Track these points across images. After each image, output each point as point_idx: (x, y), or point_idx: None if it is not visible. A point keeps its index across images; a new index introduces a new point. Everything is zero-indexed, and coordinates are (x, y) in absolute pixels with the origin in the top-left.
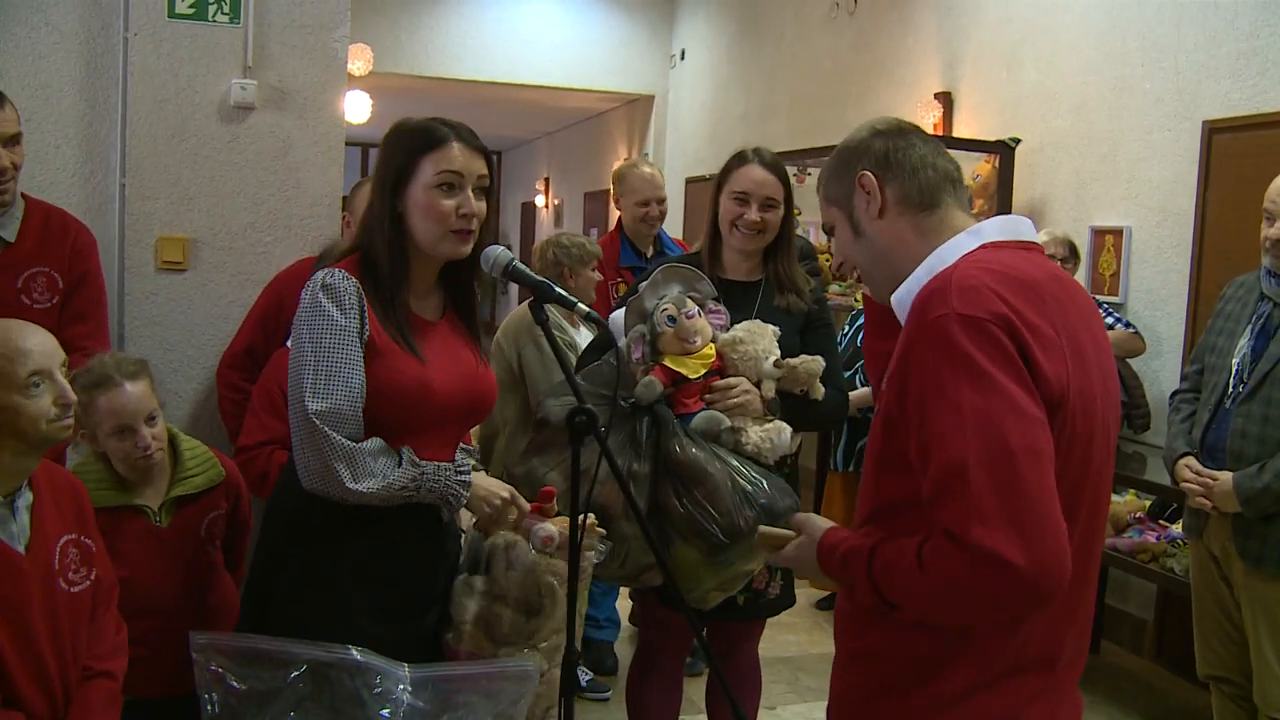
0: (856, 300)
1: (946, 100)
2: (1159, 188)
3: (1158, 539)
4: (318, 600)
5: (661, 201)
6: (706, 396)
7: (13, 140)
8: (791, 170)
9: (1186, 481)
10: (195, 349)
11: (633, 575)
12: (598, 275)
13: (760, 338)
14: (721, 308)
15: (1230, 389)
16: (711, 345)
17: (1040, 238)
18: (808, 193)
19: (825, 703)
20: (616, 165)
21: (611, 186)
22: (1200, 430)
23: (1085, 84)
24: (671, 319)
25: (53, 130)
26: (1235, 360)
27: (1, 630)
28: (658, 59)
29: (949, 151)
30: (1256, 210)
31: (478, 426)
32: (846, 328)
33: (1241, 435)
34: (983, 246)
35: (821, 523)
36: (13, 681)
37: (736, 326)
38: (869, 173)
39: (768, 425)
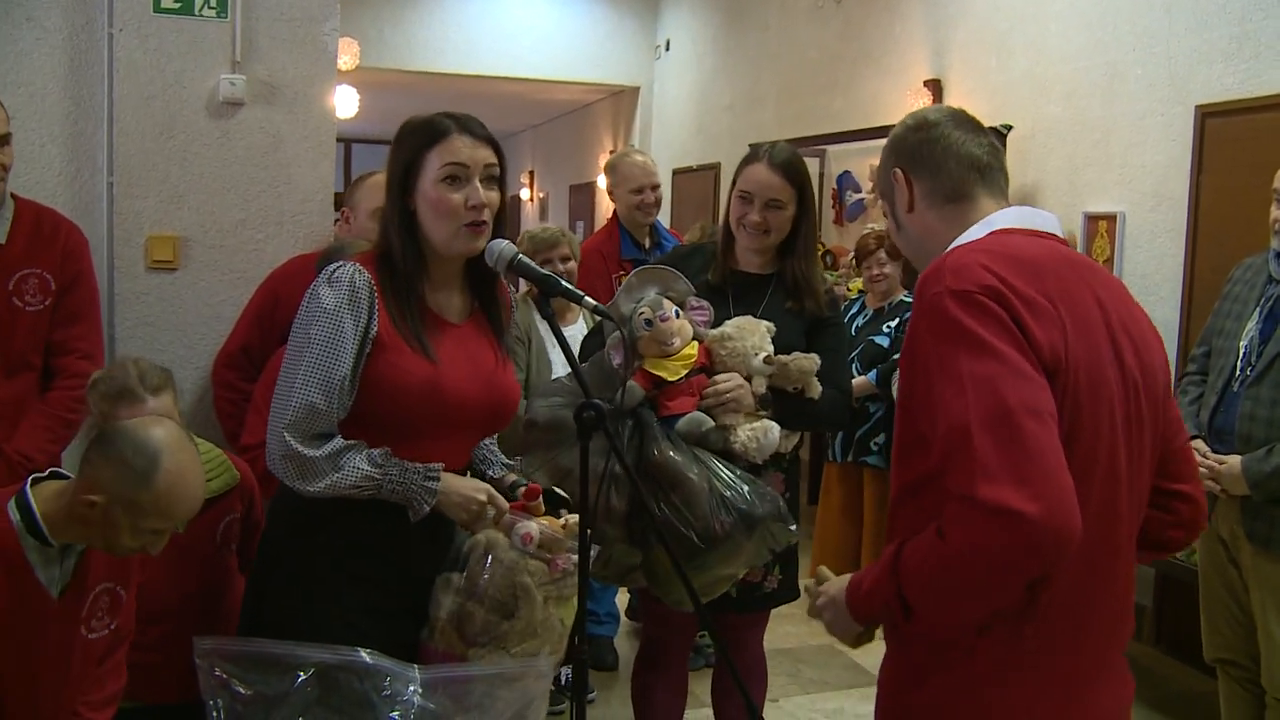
0: (850, 289)
1: (936, 88)
2: (1152, 173)
3: None
4: (314, 598)
5: (656, 188)
6: (705, 395)
7: (3, 140)
8: None
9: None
10: (188, 349)
11: (619, 575)
12: (572, 264)
13: (750, 334)
14: (703, 304)
15: (1238, 372)
16: (693, 345)
17: None
18: None
19: (826, 694)
20: (608, 157)
21: (604, 179)
22: (1208, 413)
23: (1076, 70)
24: (648, 323)
25: (37, 129)
26: (1243, 343)
27: (7, 663)
28: (643, 50)
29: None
30: (1250, 194)
31: None
32: (846, 329)
33: (1250, 418)
34: (992, 233)
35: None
36: (4, 709)
37: (727, 323)
38: (899, 169)
39: (755, 424)
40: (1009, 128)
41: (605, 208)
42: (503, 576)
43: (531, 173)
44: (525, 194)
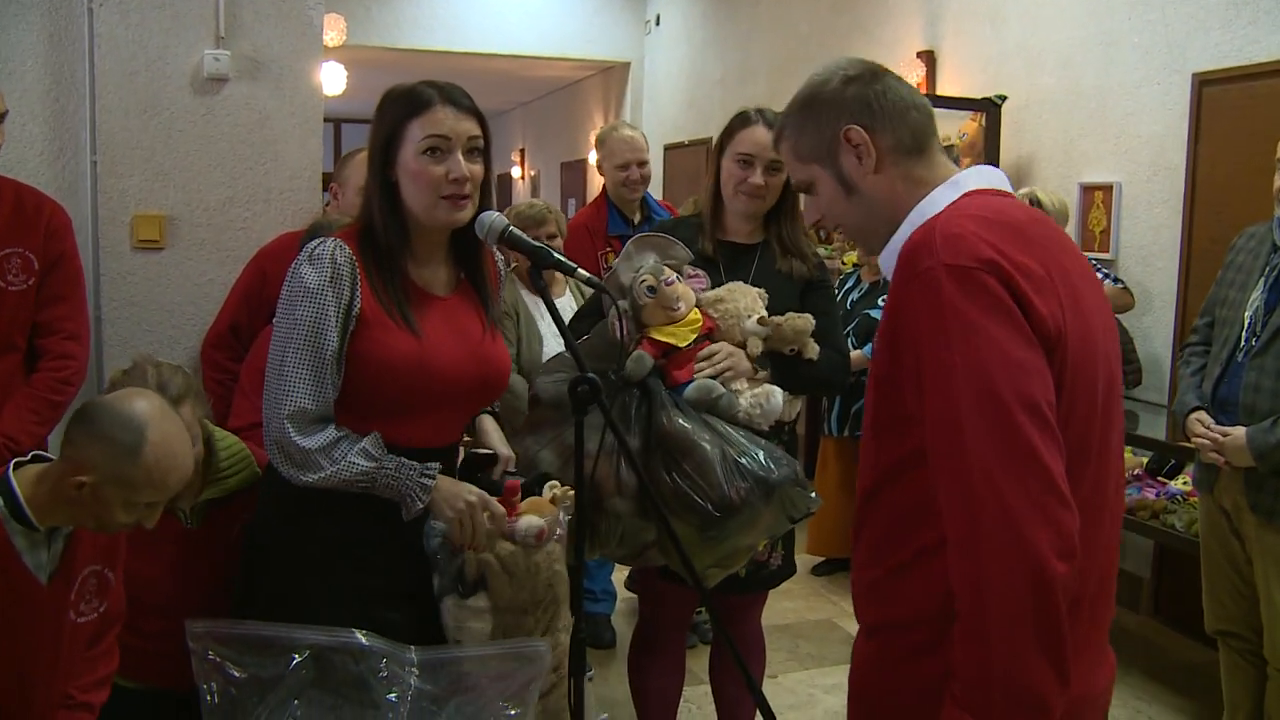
0: (844, 263)
1: (929, 59)
2: (1149, 142)
3: (1157, 495)
4: (306, 584)
5: (643, 164)
6: (699, 365)
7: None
8: None
9: (1198, 436)
10: (176, 329)
11: (635, 553)
12: (558, 241)
13: (742, 295)
14: (700, 271)
15: (1242, 342)
16: (697, 310)
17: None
18: None
19: (825, 669)
20: (597, 130)
21: (594, 154)
22: (1211, 384)
23: (1071, 39)
24: (651, 289)
25: (18, 107)
26: (1248, 313)
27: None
28: (633, 25)
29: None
30: (1249, 163)
31: None
32: (835, 290)
33: (1254, 389)
34: (964, 196)
35: None
36: None
37: (718, 287)
38: (856, 126)
39: (756, 390)
40: (1003, 98)
41: (597, 184)
42: (535, 580)
43: (522, 150)
44: (516, 172)
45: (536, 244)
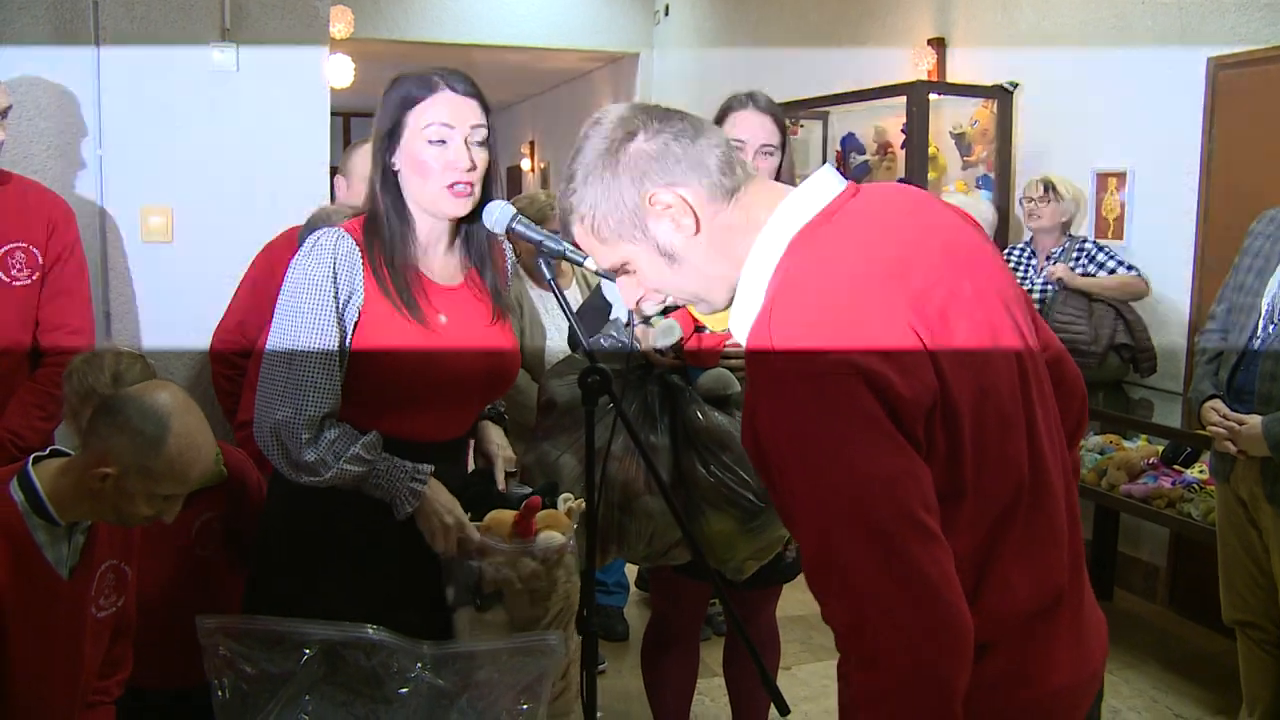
0: None
1: (940, 46)
2: (1163, 128)
3: (1173, 484)
4: (316, 579)
5: None
6: (728, 346)
7: (2, 114)
8: None
9: (1213, 425)
10: (184, 323)
11: (661, 553)
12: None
13: None
14: None
15: (1260, 330)
16: None
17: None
18: (798, 145)
19: (838, 661)
20: None
21: None
22: (1228, 371)
23: (1084, 24)
24: None
25: (23, 100)
26: (1265, 300)
27: (19, 644)
28: (642, 16)
29: (932, 97)
30: (1264, 147)
31: None
32: None
33: (1271, 378)
34: (792, 245)
35: None
36: (19, 691)
37: None
38: (661, 189)
39: None
40: (1015, 85)
41: None
42: (561, 593)
43: (532, 143)
44: (526, 164)
45: (546, 234)
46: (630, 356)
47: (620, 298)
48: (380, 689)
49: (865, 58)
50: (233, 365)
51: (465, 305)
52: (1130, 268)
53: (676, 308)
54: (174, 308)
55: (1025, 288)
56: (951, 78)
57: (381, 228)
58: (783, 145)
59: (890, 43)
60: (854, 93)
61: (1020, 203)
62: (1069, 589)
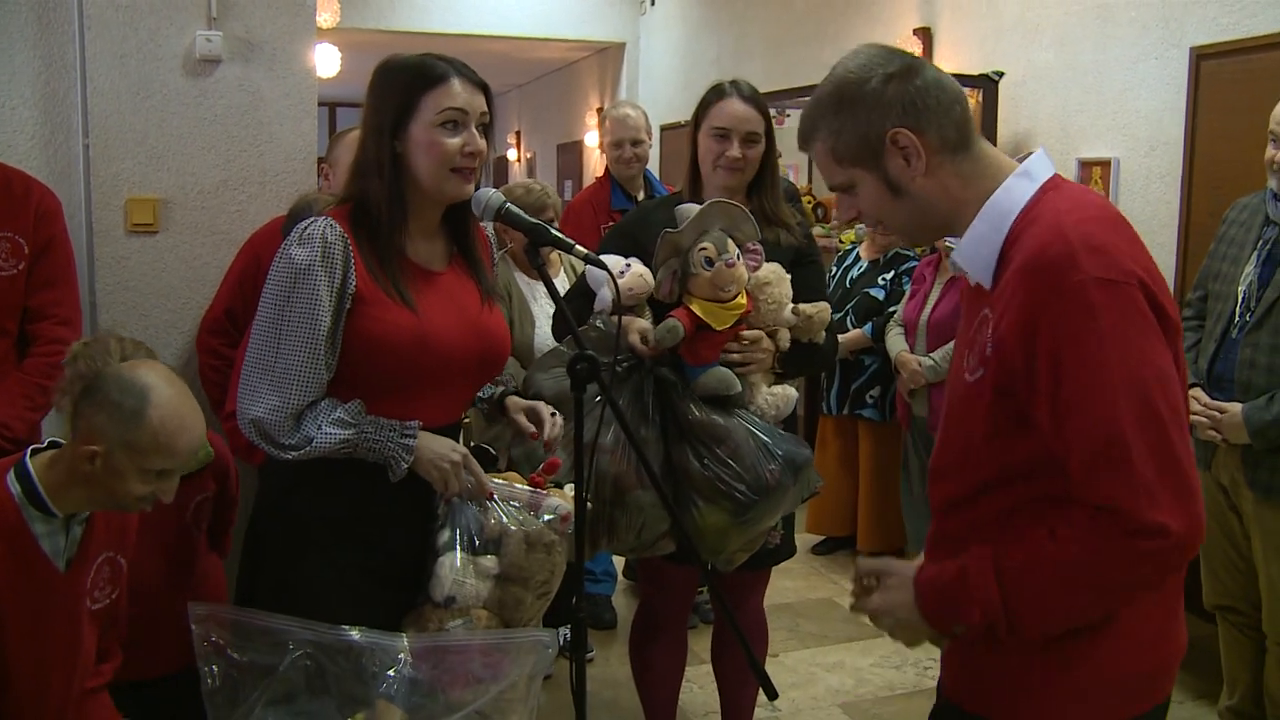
0: (841, 242)
1: (925, 36)
2: (1147, 117)
3: None
4: (309, 556)
5: (637, 144)
6: (731, 345)
7: None
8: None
9: (1194, 414)
10: (171, 313)
11: (648, 544)
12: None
13: (783, 281)
14: (760, 248)
15: (1237, 318)
16: (744, 295)
17: None
18: (786, 135)
19: (826, 648)
20: (595, 115)
21: (591, 135)
22: (1207, 360)
23: (1068, 14)
24: (709, 261)
25: (8, 90)
26: (1241, 288)
27: (16, 637)
28: (627, 6)
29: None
30: (1246, 137)
31: None
32: (834, 268)
33: (1250, 365)
34: (1044, 189)
35: (906, 567)
36: (15, 681)
37: (765, 267)
38: (904, 130)
39: (775, 390)
40: (1000, 74)
41: (593, 167)
42: (547, 559)
43: (518, 133)
44: (512, 154)
45: (534, 221)
46: (618, 348)
47: (605, 287)
48: (363, 689)
49: (851, 46)
50: (220, 355)
51: (455, 290)
52: None
53: (676, 306)
54: (161, 298)
55: None
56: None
57: (376, 213)
58: (767, 133)
59: (876, 32)
60: None
61: None
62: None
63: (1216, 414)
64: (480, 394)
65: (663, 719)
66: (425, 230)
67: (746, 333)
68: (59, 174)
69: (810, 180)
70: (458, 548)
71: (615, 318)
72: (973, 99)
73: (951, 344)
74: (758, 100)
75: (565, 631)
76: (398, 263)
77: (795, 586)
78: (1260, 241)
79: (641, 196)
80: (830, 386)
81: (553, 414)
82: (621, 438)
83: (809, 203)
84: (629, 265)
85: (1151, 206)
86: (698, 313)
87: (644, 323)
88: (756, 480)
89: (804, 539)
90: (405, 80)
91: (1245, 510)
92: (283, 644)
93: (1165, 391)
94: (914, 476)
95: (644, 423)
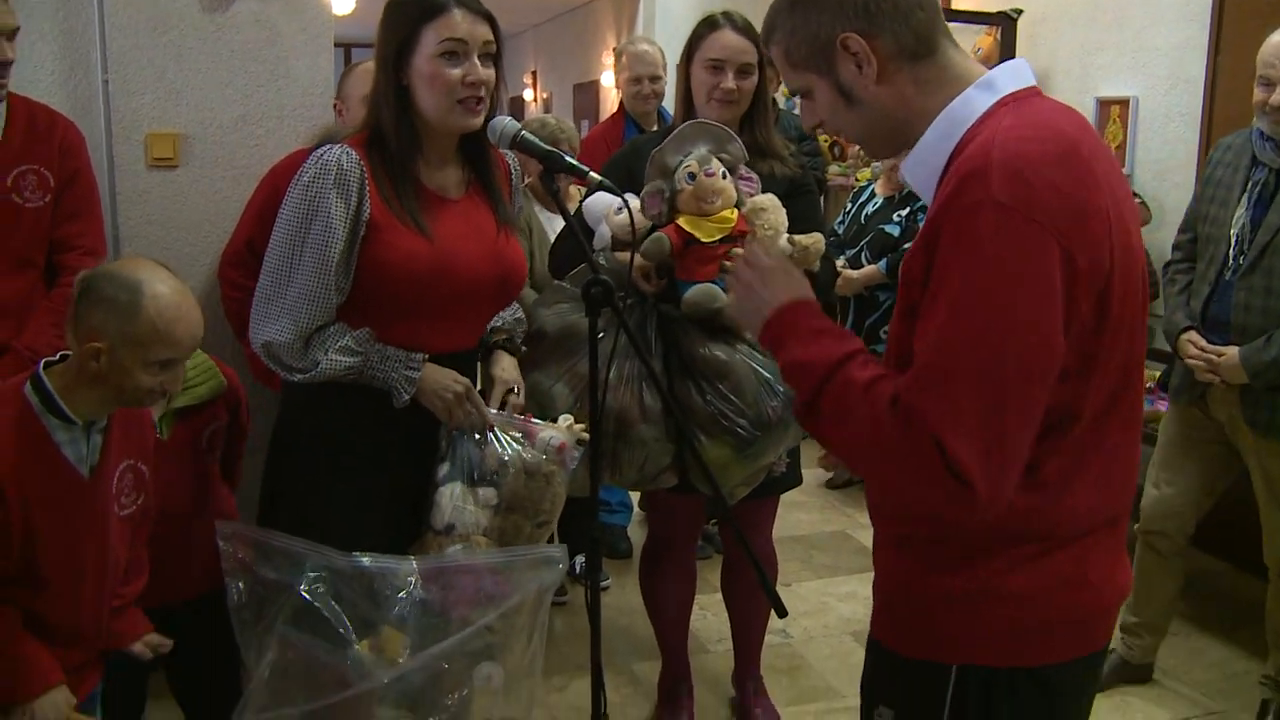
0: (858, 179)
1: None
2: (1167, 54)
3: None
4: (328, 477)
5: (655, 80)
6: (725, 263)
7: (12, 34)
8: None
9: (1191, 357)
10: (193, 246)
11: (651, 478)
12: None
13: (778, 210)
14: (753, 175)
15: (1230, 261)
16: (733, 211)
17: None
18: None
19: (839, 578)
20: (611, 54)
21: (607, 74)
22: (1200, 303)
23: None
24: (691, 176)
25: (27, 27)
26: (1233, 231)
27: (51, 547)
28: None
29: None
30: None
31: None
32: (849, 205)
33: (1245, 308)
34: (1002, 103)
35: (794, 281)
36: (53, 592)
37: (761, 195)
38: (854, 35)
39: None
40: (1019, 12)
41: (609, 106)
42: (546, 488)
43: (534, 73)
44: (529, 95)
45: (549, 149)
46: (620, 284)
47: (603, 223)
48: (378, 610)
49: None
50: (241, 287)
51: (471, 216)
52: (1134, 195)
53: (666, 224)
54: (182, 231)
55: None
56: (956, 4)
57: (387, 141)
58: (760, 65)
59: None
60: None
61: None
62: (1125, 515)
63: (1214, 357)
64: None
65: (674, 644)
66: (440, 158)
67: (738, 250)
68: (80, 109)
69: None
70: (458, 479)
71: (623, 245)
72: (990, 37)
73: None
74: (751, 32)
75: (580, 560)
76: (413, 190)
77: (809, 519)
78: (1250, 183)
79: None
80: (844, 323)
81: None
82: (625, 372)
83: (826, 141)
84: (627, 201)
85: (1170, 145)
86: (684, 226)
87: (643, 260)
88: (758, 416)
89: (815, 474)
90: (407, 13)
91: (1241, 444)
92: (300, 565)
93: (1022, 349)
94: None
95: (648, 358)
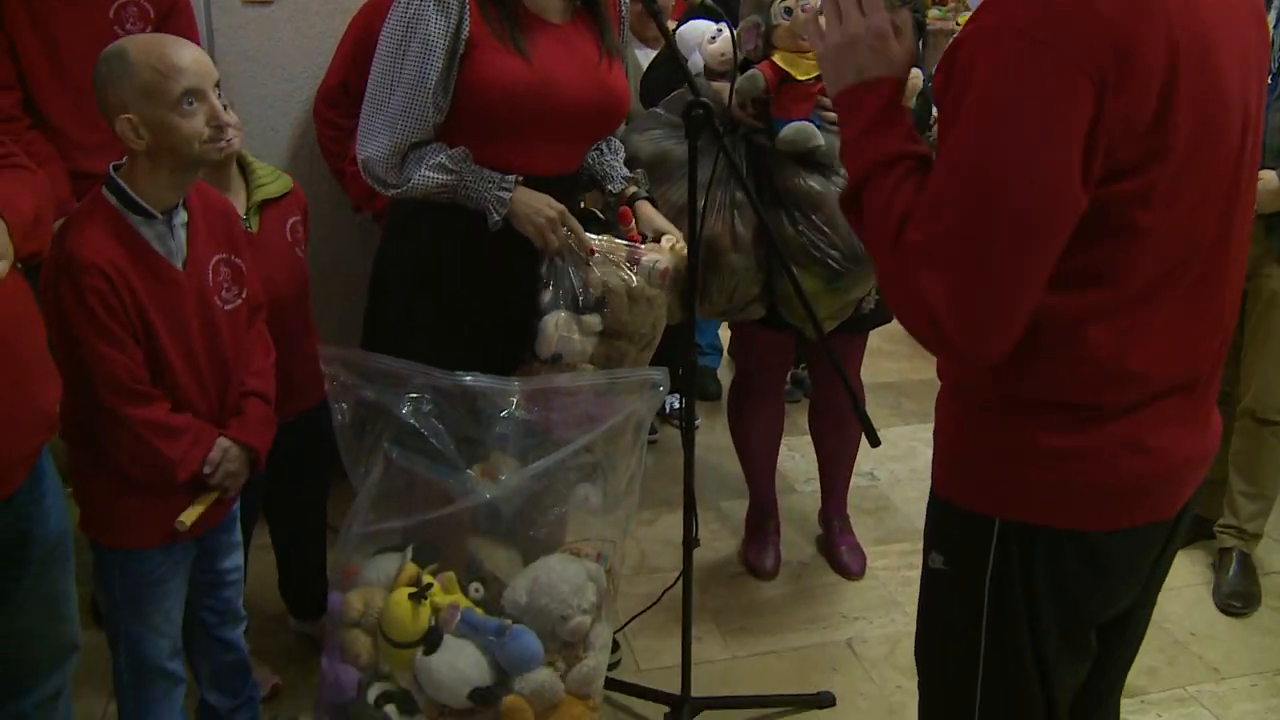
0: (958, 23)
1: None
2: None
3: None
4: (419, 300)
5: None
6: (823, 99)
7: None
8: None
9: None
10: (289, 83)
11: (739, 308)
12: None
13: None
14: None
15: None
16: None
17: None
18: None
19: (927, 425)
20: None
21: None
22: None
23: None
24: (788, 11)
25: None
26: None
27: (167, 338)
28: None
29: None
30: None
31: None
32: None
33: (1278, 131)
34: None
35: (892, 53)
36: (179, 385)
37: None
38: None
39: None
40: None
41: None
42: (650, 313)
43: None
44: None
45: None
46: (733, 88)
47: (696, 51)
48: (479, 428)
49: None
50: (336, 125)
51: (573, 42)
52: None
53: (761, 61)
54: (278, 68)
55: None
56: None
57: None
58: None
59: None
60: None
61: None
62: (1205, 380)
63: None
64: (610, 188)
65: (762, 481)
66: None
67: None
68: None
69: None
70: (560, 306)
71: (717, 74)
72: None
73: None
74: None
75: (674, 399)
76: (513, 10)
77: (899, 367)
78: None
79: None
80: None
81: (675, 244)
82: (716, 200)
83: None
84: (720, 30)
85: None
86: (779, 63)
87: (738, 96)
88: (851, 248)
89: None
90: None
91: (1267, 290)
92: (403, 385)
93: (1022, 196)
94: None
95: (739, 187)
